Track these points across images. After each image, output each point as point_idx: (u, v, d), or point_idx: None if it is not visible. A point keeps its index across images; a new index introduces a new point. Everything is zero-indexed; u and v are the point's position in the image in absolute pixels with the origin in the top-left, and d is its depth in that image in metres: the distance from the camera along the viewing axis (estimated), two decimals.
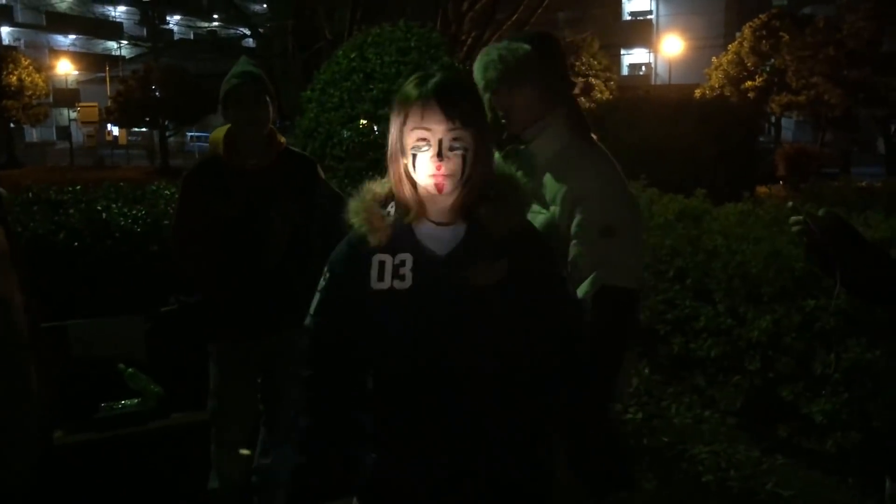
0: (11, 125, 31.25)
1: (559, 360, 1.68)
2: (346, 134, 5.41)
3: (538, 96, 2.16)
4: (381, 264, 1.62)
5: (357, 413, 1.67)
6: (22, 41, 38.58)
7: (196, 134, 33.19)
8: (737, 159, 12.79)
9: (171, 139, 31.45)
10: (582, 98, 23.48)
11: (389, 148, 1.64)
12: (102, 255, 3.67)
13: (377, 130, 5.34)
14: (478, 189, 1.62)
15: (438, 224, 1.64)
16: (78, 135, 34.14)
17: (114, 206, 3.98)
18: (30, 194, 4.21)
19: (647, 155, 10.64)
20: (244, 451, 2.90)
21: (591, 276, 2.03)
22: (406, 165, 1.60)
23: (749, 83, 23.99)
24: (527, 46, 2.14)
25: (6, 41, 37.48)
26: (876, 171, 20.74)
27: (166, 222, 3.81)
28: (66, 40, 42.15)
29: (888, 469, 1.76)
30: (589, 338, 1.88)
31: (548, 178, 2.14)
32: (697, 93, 22.38)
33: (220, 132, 2.83)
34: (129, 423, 3.26)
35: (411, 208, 1.62)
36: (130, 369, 3.36)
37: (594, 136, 2.26)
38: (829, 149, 23.49)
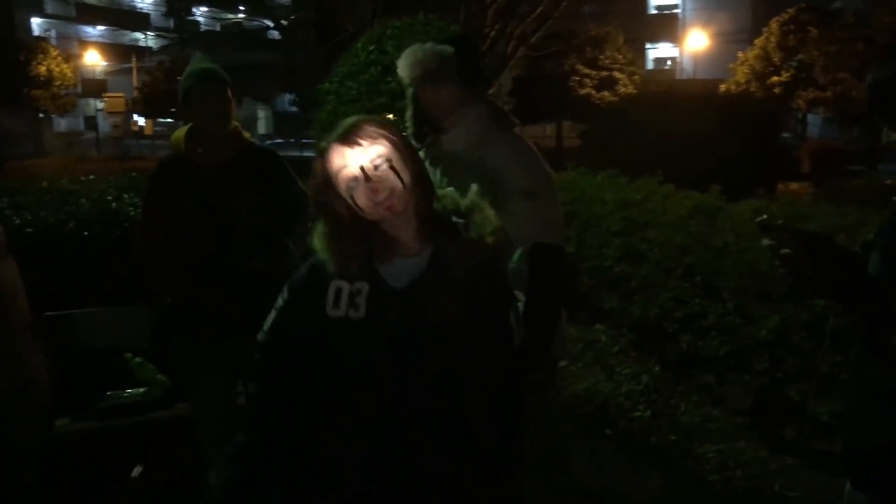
0: (40, 115, 31.66)
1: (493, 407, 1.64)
2: None
3: (457, 93, 2.43)
4: (338, 291, 1.61)
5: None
6: (52, 32, 38.99)
7: (236, 124, 33.27)
8: (759, 155, 12.63)
9: None
10: (605, 92, 23.32)
11: (326, 215, 1.62)
12: (111, 245, 3.70)
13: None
14: (443, 218, 1.62)
15: (405, 256, 1.63)
16: (104, 125, 34.46)
17: (124, 196, 4.01)
18: (44, 184, 4.26)
19: (667, 150, 10.56)
20: None
21: (522, 238, 2.24)
22: (351, 209, 1.59)
23: (775, 78, 23.62)
24: (450, 48, 2.42)
25: (36, 32, 37.87)
26: None
27: None
28: (95, 31, 42.56)
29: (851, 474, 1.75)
30: (528, 294, 2.18)
31: (461, 164, 2.38)
32: (722, 88, 22.11)
33: (181, 132, 2.80)
34: (134, 413, 3.28)
35: (377, 244, 1.62)
36: (137, 359, 3.38)
37: (516, 132, 2.49)
38: (855, 145, 23.13)
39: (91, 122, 37.20)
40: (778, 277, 3.96)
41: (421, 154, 2.33)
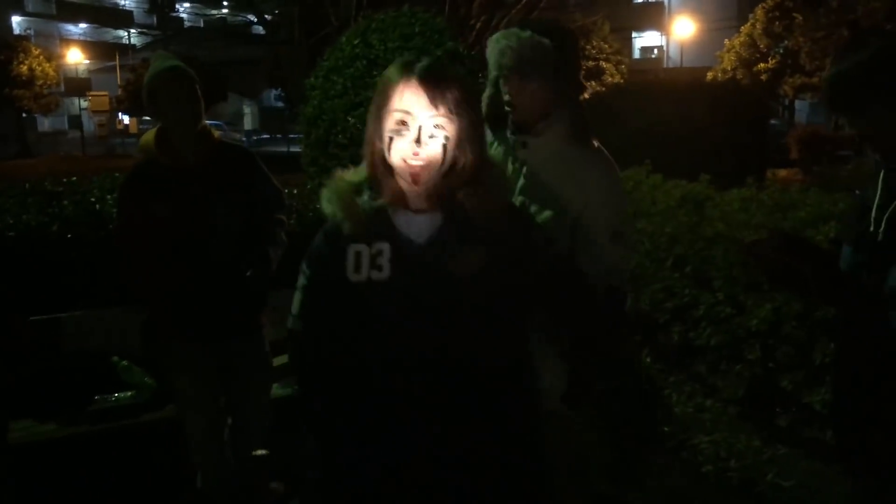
0: (23, 115, 31.41)
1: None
2: (350, 121, 5.37)
3: (547, 92, 2.13)
4: (357, 255, 1.55)
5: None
6: (32, 30, 38.66)
7: (206, 122, 33.17)
8: (747, 143, 12.64)
9: None
10: (592, 82, 23.31)
11: (367, 130, 1.57)
12: (96, 247, 3.66)
13: None
14: (458, 179, 1.56)
15: (416, 211, 1.58)
16: (89, 124, 34.26)
17: (108, 197, 3.97)
18: (26, 186, 4.21)
19: (656, 139, 10.56)
20: (259, 452, 2.84)
21: (598, 275, 2.03)
22: (382, 150, 1.54)
23: (762, 65, 23.70)
24: (547, 41, 2.10)
25: (16, 31, 37.57)
26: None
27: None
28: (77, 29, 42.26)
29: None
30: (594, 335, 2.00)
31: (546, 178, 2.13)
32: (709, 76, 22.16)
33: (150, 135, 2.74)
34: (123, 416, 3.25)
35: (387, 195, 1.56)
36: (124, 362, 3.36)
37: (596, 143, 2.23)
38: (843, 131, 23.22)
39: (75, 121, 36.93)
40: None
41: (496, 149, 2.20)
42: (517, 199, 2.14)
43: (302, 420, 1.68)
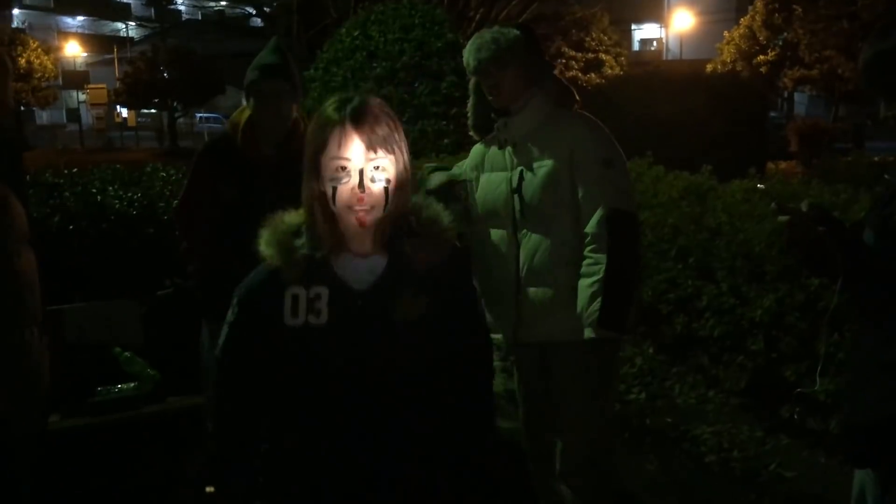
0: (21, 108, 31.32)
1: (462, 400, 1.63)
2: None
3: (523, 74, 2.49)
4: (295, 298, 1.53)
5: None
6: (29, 23, 38.53)
7: (204, 115, 33.15)
8: (747, 135, 12.65)
9: (180, 120, 31.44)
10: (591, 74, 23.27)
11: (304, 174, 1.55)
12: (97, 239, 3.65)
13: None
14: (399, 219, 1.55)
15: (357, 255, 1.56)
16: (87, 117, 34.17)
17: (109, 188, 3.95)
18: (26, 177, 4.19)
19: (656, 131, 10.56)
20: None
21: (602, 203, 2.38)
22: (323, 196, 1.51)
23: (761, 57, 23.63)
24: (517, 31, 2.49)
25: (14, 24, 37.42)
26: (890, 146, 20.43)
27: (162, 205, 3.79)
28: (74, 22, 42.14)
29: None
30: (608, 259, 2.33)
31: (535, 143, 2.48)
32: (709, 68, 22.10)
33: (242, 115, 2.77)
34: (125, 408, 3.24)
35: (326, 241, 1.54)
36: (126, 353, 3.34)
37: (578, 109, 2.59)
38: (842, 123, 23.20)
39: (73, 114, 36.85)
40: (772, 257, 3.95)
41: (480, 147, 2.66)
42: (514, 174, 2.49)
43: (216, 488, 1.66)
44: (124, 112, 35.11)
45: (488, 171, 2.60)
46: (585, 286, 2.39)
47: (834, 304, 1.81)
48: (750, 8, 24.55)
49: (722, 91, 13.57)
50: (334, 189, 1.49)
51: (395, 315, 1.52)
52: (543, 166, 2.45)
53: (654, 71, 17.45)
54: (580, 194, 2.42)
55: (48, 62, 30.57)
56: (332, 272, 1.54)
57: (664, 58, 35.06)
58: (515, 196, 2.48)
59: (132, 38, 39.80)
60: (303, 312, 1.52)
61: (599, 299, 2.35)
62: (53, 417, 3.13)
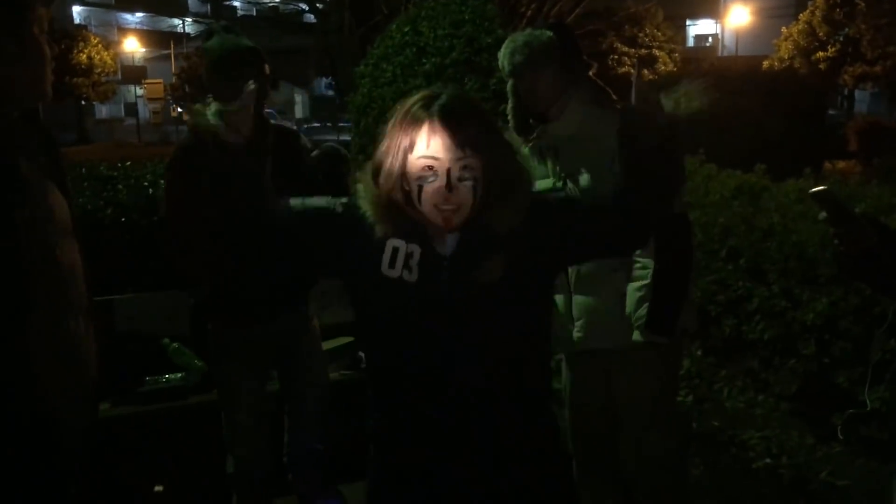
0: (82, 102, 32.16)
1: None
2: None
3: (559, 77, 2.44)
4: (395, 251, 1.54)
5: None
6: (90, 20, 39.51)
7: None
8: (804, 133, 12.33)
9: None
10: (645, 70, 22.94)
11: (383, 168, 1.51)
12: (148, 231, 3.72)
13: None
14: (490, 199, 1.53)
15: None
16: (145, 111, 34.93)
17: (161, 182, 4.01)
18: (82, 170, 4.30)
19: (710, 129, 10.33)
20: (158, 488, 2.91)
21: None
22: (408, 194, 1.50)
23: (821, 54, 23.03)
24: (549, 33, 2.44)
25: (76, 20, 38.42)
26: None
27: None
28: (133, 18, 43.06)
29: None
30: (657, 263, 2.31)
31: (577, 148, 2.42)
32: (766, 64, 21.62)
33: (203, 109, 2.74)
34: (172, 397, 3.30)
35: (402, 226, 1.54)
36: (175, 344, 3.41)
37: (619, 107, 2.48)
38: None
39: (131, 108, 37.69)
40: (826, 260, 3.84)
41: (525, 149, 2.48)
42: (556, 182, 2.46)
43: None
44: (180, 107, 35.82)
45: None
46: (633, 290, 2.41)
47: (890, 319, 1.75)
48: (809, 3, 23.97)
49: (778, 88, 13.24)
50: (419, 188, 1.47)
51: (478, 279, 1.52)
52: (587, 173, 2.41)
53: (708, 67, 17.10)
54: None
55: (108, 58, 31.29)
56: (426, 233, 1.54)
57: (719, 54, 34.41)
58: None
59: (188, 34, 40.50)
60: (399, 266, 1.53)
61: (647, 304, 2.36)
62: (103, 405, 3.20)
